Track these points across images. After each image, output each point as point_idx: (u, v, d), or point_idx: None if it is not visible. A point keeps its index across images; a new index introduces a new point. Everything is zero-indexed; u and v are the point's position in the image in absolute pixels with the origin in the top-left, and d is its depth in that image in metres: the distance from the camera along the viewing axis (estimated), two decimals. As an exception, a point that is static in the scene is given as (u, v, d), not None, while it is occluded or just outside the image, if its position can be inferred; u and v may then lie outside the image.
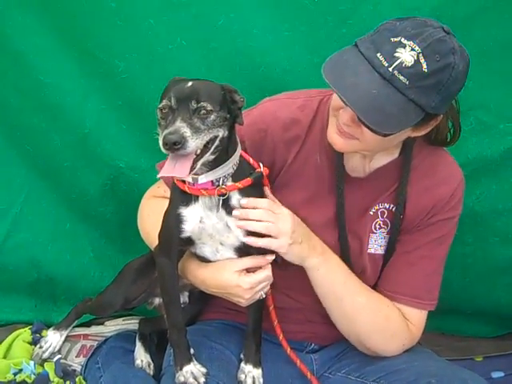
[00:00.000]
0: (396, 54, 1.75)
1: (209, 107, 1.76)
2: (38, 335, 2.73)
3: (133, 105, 2.61)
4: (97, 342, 2.64)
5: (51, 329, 2.67)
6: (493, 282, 2.85)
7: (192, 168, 1.75)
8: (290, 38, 2.49)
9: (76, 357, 2.66)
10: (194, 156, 1.75)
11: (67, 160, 2.75)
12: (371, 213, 2.17)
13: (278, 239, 1.97)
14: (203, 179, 1.88)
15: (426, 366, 2.09)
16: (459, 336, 3.00)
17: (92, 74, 2.59)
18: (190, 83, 1.80)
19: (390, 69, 1.75)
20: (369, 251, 2.19)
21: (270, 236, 1.96)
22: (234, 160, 1.91)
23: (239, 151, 1.95)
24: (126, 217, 2.75)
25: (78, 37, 2.54)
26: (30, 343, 2.69)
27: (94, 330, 2.74)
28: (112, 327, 2.75)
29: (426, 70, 1.74)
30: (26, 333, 2.72)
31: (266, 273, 2.01)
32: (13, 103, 2.68)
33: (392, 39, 1.78)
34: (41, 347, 2.62)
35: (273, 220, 1.96)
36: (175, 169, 1.73)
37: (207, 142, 1.78)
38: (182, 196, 1.94)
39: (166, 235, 2.01)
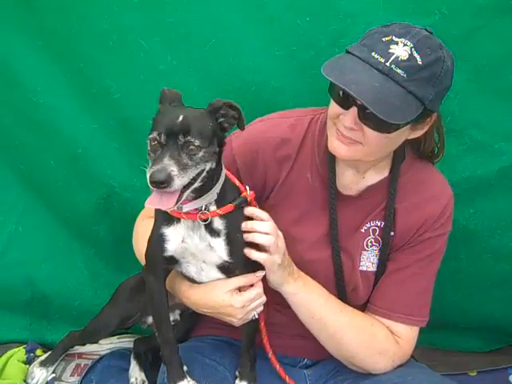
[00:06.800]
0: (390, 51, 1.83)
1: (197, 143, 1.76)
2: (32, 354, 2.74)
3: (125, 124, 2.62)
4: (91, 361, 2.64)
5: (37, 365, 2.63)
6: (485, 297, 2.86)
7: (178, 200, 1.76)
8: (282, 58, 2.50)
9: (70, 376, 2.66)
10: (181, 188, 1.76)
11: (60, 179, 2.76)
12: (363, 230, 2.18)
13: (273, 256, 1.99)
14: (187, 208, 1.90)
15: (419, 381, 2.09)
16: (453, 351, 3.00)
17: (84, 94, 2.61)
18: (180, 117, 1.77)
19: (388, 64, 1.82)
20: (361, 268, 2.20)
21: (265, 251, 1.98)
22: (218, 187, 1.93)
23: (223, 177, 1.95)
24: (119, 235, 2.76)
25: (71, 57, 2.56)
26: (25, 362, 2.69)
27: (88, 348, 2.73)
28: (106, 345, 2.74)
29: (420, 63, 1.82)
30: (20, 352, 2.73)
31: (257, 290, 2.02)
32: (6, 123, 2.70)
33: (383, 39, 1.86)
34: None
35: (275, 236, 1.99)
36: (162, 201, 1.75)
37: (195, 175, 1.79)
38: (164, 216, 1.95)
39: (151, 254, 2.03)
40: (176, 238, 1.95)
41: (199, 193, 1.88)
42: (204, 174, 1.82)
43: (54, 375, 2.60)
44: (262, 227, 1.97)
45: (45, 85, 2.61)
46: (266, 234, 1.97)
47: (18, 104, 2.66)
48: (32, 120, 2.67)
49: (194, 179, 1.79)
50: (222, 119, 1.86)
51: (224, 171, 1.96)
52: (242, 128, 1.88)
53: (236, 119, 1.87)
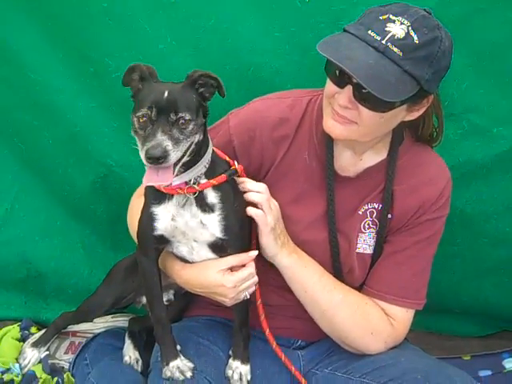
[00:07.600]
0: (387, 29, 1.83)
1: (187, 117, 1.78)
2: (26, 332, 2.75)
3: (123, 103, 2.54)
4: (85, 339, 2.64)
5: (29, 345, 2.62)
6: (481, 282, 2.87)
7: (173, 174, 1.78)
8: (281, 39, 2.49)
9: (64, 353, 2.67)
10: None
11: (58, 157, 2.77)
12: (360, 212, 2.18)
13: (266, 215, 2.01)
14: (177, 181, 1.90)
15: (412, 362, 2.10)
16: (447, 335, 3.02)
17: (83, 72, 2.60)
18: (166, 92, 1.78)
19: (383, 41, 1.82)
20: (357, 251, 2.20)
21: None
22: (206, 159, 1.93)
23: (211, 149, 1.97)
24: (116, 214, 2.75)
25: (69, 36, 2.55)
26: (19, 340, 2.70)
27: (82, 327, 2.73)
28: (101, 324, 2.73)
29: (417, 42, 1.81)
30: (14, 330, 2.74)
31: (249, 270, 2.02)
32: (4, 101, 2.70)
33: (380, 17, 1.86)
34: (19, 364, 2.57)
35: (267, 197, 2.03)
36: (159, 177, 1.76)
37: (186, 148, 1.80)
38: (154, 194, 1.96)
39: (142, 234, 2.03)
40: (166, 217, 1.95)
41: (188, 164, 1.88)
42: (193, 146, 1.83)
43: (47, 352, 2.60)
44: (253, 186, 2.02)
45: (43, 63, 2.61)
46: (258, 192, 2.01)
47: (16, 82, 2.66)
48: (30, 98, 2.66)
49: (184, 152, 1.80)
50: (202, 89, 1.87)
51: (210, 143, 1.97)
52: (222, 95, 1.88)
53: (215, 87, 1.87)
